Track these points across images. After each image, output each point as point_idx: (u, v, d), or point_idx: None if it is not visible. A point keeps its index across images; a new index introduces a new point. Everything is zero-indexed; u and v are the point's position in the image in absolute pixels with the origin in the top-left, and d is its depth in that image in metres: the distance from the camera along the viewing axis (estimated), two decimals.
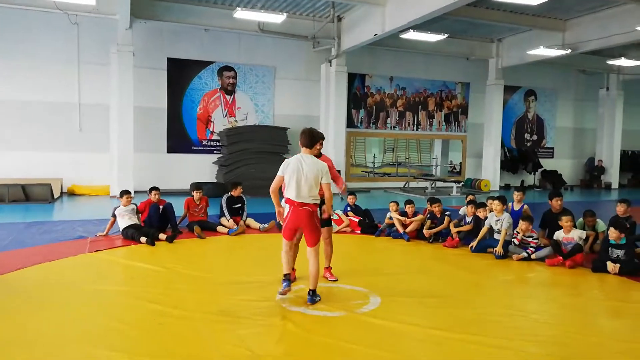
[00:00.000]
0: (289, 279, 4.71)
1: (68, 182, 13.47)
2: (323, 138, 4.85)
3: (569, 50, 14.35)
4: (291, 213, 4.55)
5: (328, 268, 5.40)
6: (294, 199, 4.50)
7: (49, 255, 6.40)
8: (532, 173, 19.35)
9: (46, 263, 6.00)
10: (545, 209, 7.59)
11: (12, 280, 5.25)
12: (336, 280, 5.28)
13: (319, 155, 4.86)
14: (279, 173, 4.59)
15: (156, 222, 7.81)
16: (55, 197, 12.15)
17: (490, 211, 7.28)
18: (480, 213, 7.50)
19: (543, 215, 7.48)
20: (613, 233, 6.05)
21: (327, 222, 5.19)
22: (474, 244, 7.04)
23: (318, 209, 4.65)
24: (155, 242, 7.18)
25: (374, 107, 17.28)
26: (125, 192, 7.87)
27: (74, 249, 6.74)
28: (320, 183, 4.55)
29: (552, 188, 18.43)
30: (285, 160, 4.65)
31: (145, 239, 7.15)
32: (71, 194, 13.36)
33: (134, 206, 7.83)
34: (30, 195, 11.75)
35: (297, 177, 4.47)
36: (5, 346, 3.59)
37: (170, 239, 7.33)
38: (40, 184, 11.96)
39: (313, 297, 4.58)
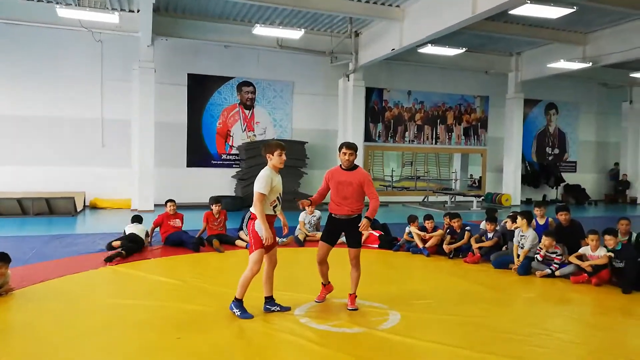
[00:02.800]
0: (270, 301, 4.76)
1: (90, 195, 13.71)
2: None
3: (590, 64, 14.15)
4: None
5: (352, 295, 4.91)
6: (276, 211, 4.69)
7: (71, 268, 6.49)
8: (555, 187, 19.00)
9: (68, 276, 6.08)
10: (555, 224, 7.40)
11: (35, 292, 5.33)
12: (356, 310, 4.82)
13: (352, 168, 4.78)
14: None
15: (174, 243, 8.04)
16: (78, 210, 12.36)
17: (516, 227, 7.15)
18: (455, 224, 7.77)
19: (554, 231, 7.18)
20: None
21: (356, 243, 4.84)
22: (515, 266, 6.74)
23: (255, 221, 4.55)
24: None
25: (392, 121, 17.25)
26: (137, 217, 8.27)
27: (95, 262, 6.81)
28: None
29: (575, 203, 18.09)
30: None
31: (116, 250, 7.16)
32: (93, 207, 13.59)
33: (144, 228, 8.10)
34: (53, 208, 11.99)
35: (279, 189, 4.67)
36: (27, 358, 3.62)
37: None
38: (64, 197, 12.19)
39: (234, 303, 4.61)
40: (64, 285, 5.71)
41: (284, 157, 4.63)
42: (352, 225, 4.76)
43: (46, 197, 12.06)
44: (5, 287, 5.12)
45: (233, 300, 4.57)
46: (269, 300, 4.74)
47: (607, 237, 6.13)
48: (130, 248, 7.25)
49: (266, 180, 4.45)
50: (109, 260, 6.75)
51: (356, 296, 4.92)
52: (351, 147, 4.80)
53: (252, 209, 4.56)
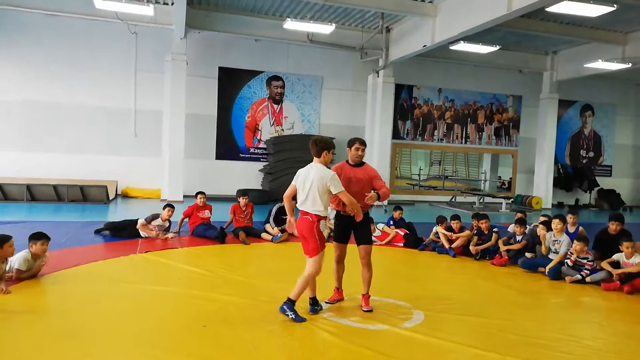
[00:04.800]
0: (317, 302, 4.58)
1: (122, 184, 14.07)
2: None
3: (630, 64, 13.66)
4: (297, 221, 4.50)
5: (365, 296, 4.75)
6: (299, 207, 4.43)
7: (102, 254, 6.71)
8: (588, 192, 18.46)
9: (100, 261, 6.28)
10: (600, 229, 7.19)
11: (67, 276, 5.52)
12: (370, 311, 4.65)
13: (360, 164, 4.74)
14: (292, 182, 4.57)
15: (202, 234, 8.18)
16: (110, 198, 12.71)
17: (549, 230, 6.97)
18: (482, 225, 7.65)
19: (597, 235, 7.00)
20: None
21: (367, 240, 4.75)
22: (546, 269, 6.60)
23: (320, 221, 4.37)
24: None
25: (421, 118, 17.06)
26: (168, 205, 8.24)
27: (125, 249, 7.01)
28: (335, 194, 4.34)
29: (609, 208, 17.55)
30: (299, 170, 4.57)
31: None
32: (125, 195, 13.94)
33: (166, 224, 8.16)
34: (87, 195, 12.36)
35: (304, 186, 4.40)
36: (58, 339, 3.77)
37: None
38: (97, 185, 12.55)
39: (285, 306, 4.31)
40: (95, 269, 5.90)
41: (331, 156, 4.56)
42: (362, 222, 4.66)
43: (80, 184, 12.44)
44: (40, 264, 5.29)
45: (286, 302, 4.34)
46: (314, 301, 4.60)
47: None
48: (116, 228, 7.91)
49: (339, 180, 4.39)
50: (97, 232, 7.97)
51: (370, 296, 4.78)
52: (364, 142, 4.77)
53: (312, 209, 4.34)
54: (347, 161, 4.79)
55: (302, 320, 4.28)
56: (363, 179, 4.67)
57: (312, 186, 4.32)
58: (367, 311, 4.66)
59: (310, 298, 4.54)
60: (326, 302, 4.77)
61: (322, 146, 4.45)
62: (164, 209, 8.08)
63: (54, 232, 7.73)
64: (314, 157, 4.49)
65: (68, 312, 4.38)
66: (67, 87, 13.64)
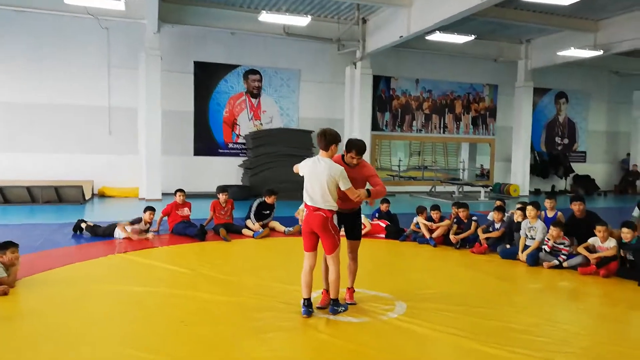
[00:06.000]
0: (310, 304, 4.38)
1: (99, 184, 13.78)
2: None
3: (601, 52, 13.92)
4: (306, 216, 4.39)
5: (350, 289, 4.78)
6: (308, 202, 4.34)
7: (79, 255, 6.56)
8: (564, 178, 18.84)
9: (77, 263, 6.14)
10: (568, 215, 7.31)
11: (43, 279, 5.38)
12: (354, 304, 4.67)
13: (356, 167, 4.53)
14: (299, 165, 4.49)
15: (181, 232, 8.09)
16: (86, 198, 12.45)
17: (524, 218, 7.09)
18: (461, 214, 7.70)
19: (566, 221, 7.03)
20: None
21: (356, 236, 4.75)
22: (523, 256, 6.70)
23: (333, 216, 4.31)
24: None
25: (400, 109, 17.13)
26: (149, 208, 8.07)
27: (103, 250, 6.88)
28: (343, 190, 4.27)
29: (584, 193, 17.93)
30: (307, 158, 4.50)
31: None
32: (101, 195, 13.67)
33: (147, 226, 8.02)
34: (62, 196, 12.08)
35: (311, 180, 4.33)
36: (34, 344, 3.68)
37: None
38: (72, 185, 12.27)
39: (334, 306, 4.40)
40: (72, 272, 5.76)
41: (337, 149, 4.46)
42: (353, 218, 4.66)
43: (55, 185, 12.14)
44: (15, 270, 5.12)
45: (331, 304, 4.40)
46: (309, 302, 4.43)
47: (624, 230, 6.00)
48: (96, 232, 7.82)
49: (347, 176, 4.30)
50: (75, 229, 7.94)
51: (354, 290, 4.80)
52: (362, 152, 4.47)
53: (323, 205, 4.26)
54: (343, 157, 4.57)
55: (348, 305, 4.53)
56: (357, 178, 4.48)
57: (321, 182, 4.24)
58: (351, 304, 4.66)
59: (304, 299, 4.37)
60: (318, 308, 4.54)
61: (330, 139, 4.34)
62: (144, 212, 7.94)
63: (28, 235, 7.59)
64: (321, 150, 4.38)
65: (44, 315, 4.27)
66: (38, 85, 13.25)
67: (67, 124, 13.53)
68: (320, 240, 4.41)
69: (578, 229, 6.75)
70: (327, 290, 4.64)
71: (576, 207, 6.95)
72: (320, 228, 4.29)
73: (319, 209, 4.29)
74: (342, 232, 4.68)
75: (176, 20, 13.15)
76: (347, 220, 4.69)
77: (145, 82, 13.17)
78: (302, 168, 4.46)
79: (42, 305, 4.58)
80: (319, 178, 4.27)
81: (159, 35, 13.12)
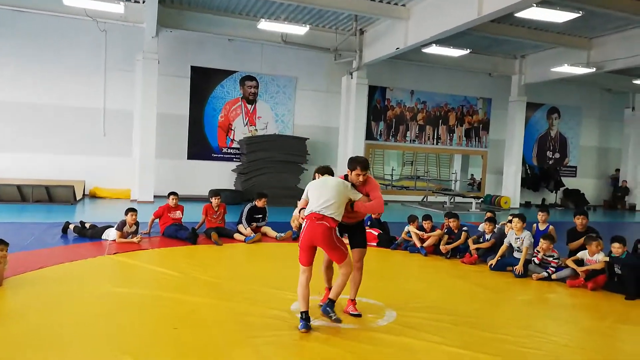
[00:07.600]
0: (309, 318, 4.18)
1: (90, 184, 13.72)
2: (361, 167, 4.38)
3: (594, 69, 14.14)
4: (306, 227, 4.25)
5: (352, 301, 4.67)
6: (314, 209, 4.24)
7: (69, 256, 6.51)
8: (554, 191, 19.02)
9: (66, 263, 6.10)
10: (568, 227, 7.42)
11: (31, 279, 5.34)
12: (359, 316, 4.57)
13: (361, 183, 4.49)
14: (303, 196, 4.56)
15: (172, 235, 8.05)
16: (77, 199, 12.37)
17: (510, 229, 7.17)
18: (452, 224, 7.79)
19: (568, 232, 7.22)
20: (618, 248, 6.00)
21: (362, 243, 4.69)
22: (493, 261, 6.93)
23: (335, 228, 4.25)
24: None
25: (394, 120, 17.25)
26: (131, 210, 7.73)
27: (93, 251, 6.84)
28: (354, 201, 4.36)
29: (574, 207, 18.07)
30: (309, 183, 4.58)
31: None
32: (93, 196, 13.60)
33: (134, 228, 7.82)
34: (53, 196, 12.00)
35: (320, 189, 4.33)
36: (20, 345, 3.64)
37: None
38: (64, 185, 12.20)
39: (328, 307, 4.34)
40: (62, 272, 5.72)
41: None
42: (357, 227, 4.67)
43: (46, 184, 12.06)
44: (1, 269, 5.08)
45: (327, 304, 4.40)
46: (307, 316, 4.29)
47: (615, 244, 6.02)
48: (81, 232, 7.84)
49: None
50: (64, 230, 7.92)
51: (356, 302, 4.71)
52: (367, 167, 4.47)
53: (328, 213, 4.20)
54: (346, 177, 4.54)
55: (339, 321, 4.37)
56: (363, 193, 4.48)
57: (332, 191, 4.26)
58: (356, 315, 4.56)
59: (302, 312, 4.17)
60: (319, 305, 4.55)
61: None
62: (126, 214, 7.59)
63: (17, 234, 7.53)
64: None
65: (31, 316, 4.24)
66: (34, 85, 13.21)
67: (62, 124, 13.48)
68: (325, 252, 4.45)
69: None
70: (329, 289, 4.70)
71: (579, 220, 7.07)
72: (325, 241, 4.19)
73: (323, 218, 4.18)
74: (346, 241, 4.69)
75: (175, 25, 13.20)
76: (351, 229, 4.70)
77: (141, 85, 13.18)
78: (309, 188, 4.50)
79: (28, 305, 4.53)
80: (329, 188, 4.31)
81: (157, 39, 13.15)
